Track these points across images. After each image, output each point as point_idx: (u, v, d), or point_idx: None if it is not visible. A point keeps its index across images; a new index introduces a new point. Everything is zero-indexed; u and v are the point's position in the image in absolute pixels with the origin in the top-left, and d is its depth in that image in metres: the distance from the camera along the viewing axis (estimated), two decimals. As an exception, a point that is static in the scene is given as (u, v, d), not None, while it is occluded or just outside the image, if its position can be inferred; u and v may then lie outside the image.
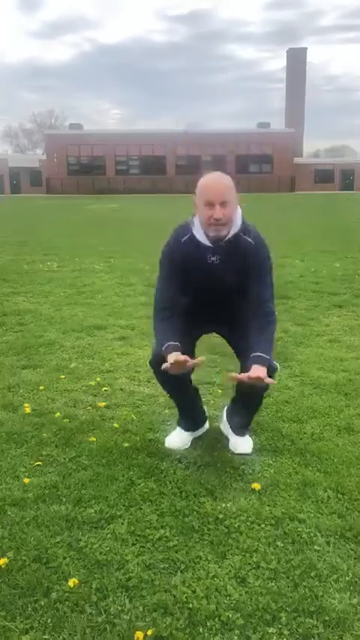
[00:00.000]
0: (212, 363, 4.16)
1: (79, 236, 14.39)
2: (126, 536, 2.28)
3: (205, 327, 3.00)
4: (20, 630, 1.82)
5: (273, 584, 2.02)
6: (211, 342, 3.73)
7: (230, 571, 2.08)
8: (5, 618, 1.87)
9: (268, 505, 2.48)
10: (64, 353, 4.71)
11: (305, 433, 3.19)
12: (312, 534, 2.29)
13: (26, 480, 2.70)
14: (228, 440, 3.06)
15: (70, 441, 3.10)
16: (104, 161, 56.05)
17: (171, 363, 2.52)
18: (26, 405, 3.59)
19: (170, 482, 2.67)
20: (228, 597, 1.95)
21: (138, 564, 2.12)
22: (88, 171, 55.83)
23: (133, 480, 2.70)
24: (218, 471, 2.80)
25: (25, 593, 1.98)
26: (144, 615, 1.87)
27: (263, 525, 2.34)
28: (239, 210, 2.66)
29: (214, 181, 2.58)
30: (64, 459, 2.92)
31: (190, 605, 1.91)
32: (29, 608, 1.91)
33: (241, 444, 2.94)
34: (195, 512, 2.43)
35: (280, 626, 1.84)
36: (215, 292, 2.72)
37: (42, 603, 1.93)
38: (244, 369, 2.65)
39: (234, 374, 2.60)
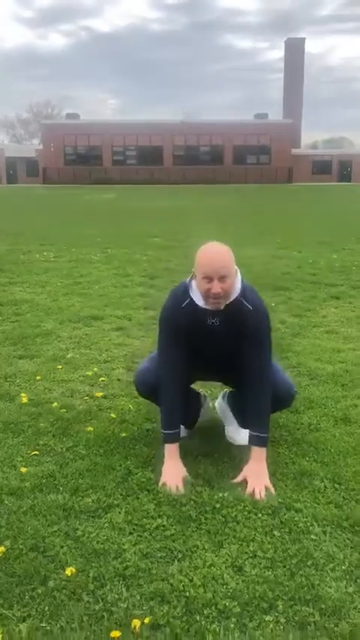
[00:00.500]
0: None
1: (76, 226, 14.34)
2: (123, 525, 2.29)
3: (205, 378, 3.21)
4: (18, 618, 1.83)
5: (270, 572, 2.02)
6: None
7: (227, 560, 2.09)
8: (3, 606, 1.87)
9: (265, 495, 2.49)
10: (60, 343, 4.70)
11: (302, 424, 3.19)
12: (309, 524, 2.30)
13: (23, 470, 2.70)
14: (224, 426, 3.07)
15: (67, 431, 3.10)
16: (101, 151, 55.77)
17: (163, 483, 2.56)
18: (23, 394, 3.58)
19: (167, 472, 2.66)
20: (225, 586, 1.96)
21: (135, 553, 2.12)
22: (84, 161, 55.57)
23: (131, 469, 2.70)
24: (215, 460, 2.80)
25: (23, 581, 1.98)
26: (141, 603, 1.88)
27: (260, 515, 2.35)
28: (239, 275, 2.61)
29: (213, 255, 2.51)
30: (61, 448, 2.92)
31: (187, 594, 1.92)
32: (27, 597, 1.91)
33: (240, 436, 2.95)
34: (192, 502, 2.44)
35: (276, 614, 1.84)
36: (215, 352, 2.74)
37: (39, 591, 1.93)
38: (238, 385, 2.89)
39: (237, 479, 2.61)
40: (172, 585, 1.96)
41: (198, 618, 1.82)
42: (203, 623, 1.80)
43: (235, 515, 2.35)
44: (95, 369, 4.07)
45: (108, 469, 2.70)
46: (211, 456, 2.85)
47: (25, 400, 3.50)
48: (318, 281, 7.31)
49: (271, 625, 1.80)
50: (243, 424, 2.91)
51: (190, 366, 2.73)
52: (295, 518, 2.33)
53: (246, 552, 2.13)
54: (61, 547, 2.15)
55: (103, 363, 4.24)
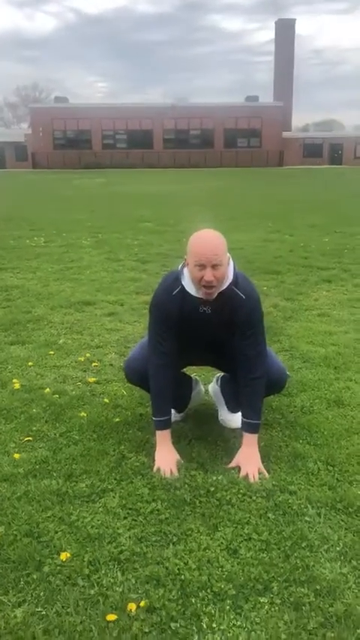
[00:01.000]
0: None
1: (66, 211, 14.23)
2: (117, 509, 2.28)
3: (196, 363, 3.23)
4: (13, 604, 1.82)
5: (264, 555, 2.03)
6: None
7: (222, 543, 2.09)
8: (-2, 592, 1.87)
9: (259, 478, 2.49)
10: (52, 329, 4.68)
11: (295, 406, 3.20)
12: (303, 506, 2.31)
13: (16, 456, 2.69)
14: (217, 410, 3.07)
15: (60, 417, 3.09)
16: (90, 135, 55.19)
17: (157, 468, 2.56)
18: (15, 380, 3.56)
19: (161, 456, 2.66)
20: (220, 568, 1.96)
21: (130, 537, 2.12)
22: (74, 145, 54.99)
23: (124, 454, 2.70)
24: (209, 444, 2.81)
25: (17, 567, 1.98)
26: (136, 587, 1.88)
27: (254, 497, 2.36)
28: (231, 263, 2.57)
29: (206, 243, 2.46)
30: (55, 434, 2.91)
31: (183, 577, 1.92)
32: (21, 582, 1.91)
33: (233, 419, 2.95)
34: (186, 485, 2.44)
35: (271, 595, 1.85)
36: (207, 339, 2.72)
37: (34, 577, 1.93)
38: (231, 370, 2.88)
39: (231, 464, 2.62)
40: (167, 569, 1.96)
41: (193, 601, 1.83)
42: (199, 605, 1.81)
43: (230, 499, 2.35)
44: (87, 355, 4.05)
45: (102, 454, 2.70)
46: (205, 439, 2.85)
47: (17, 386, 3.48)
48: (310, 264, 7.30)
49: (267, 606, 1.81)
50: (236, 408, 2.91)
51: (182, 352, 2.71)
52: (290, 501, 2.34)
53: (241, 535, 2.13)
54: (56, 532, 2.15)
55: (96, 348, 4.22)
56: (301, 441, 2.82)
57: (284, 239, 9.50)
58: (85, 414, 3.10)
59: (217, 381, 3.15)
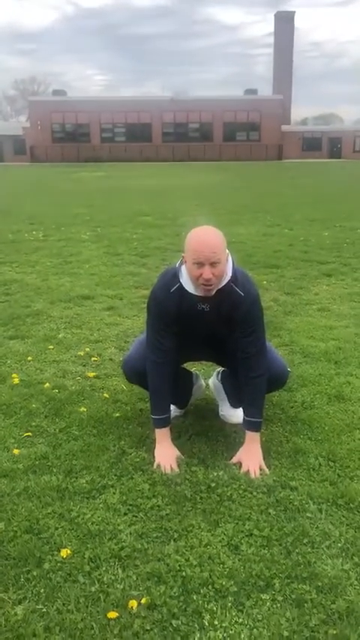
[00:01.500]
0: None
1: (65, 205, 14.17)
2: (118, 505, 2.27)
3: (196, 359, 3.25)
4: (13, 601, 1.81)
5: (266, 551, 2.02)
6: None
7: (223, 539, 2.08)
8: (-2, 589, 1.86)
9: (260, 474, 2.48)
10: (51, 323, 4.66)
11: (296, 401, 3.18)
12: (304, 502, 2.30)
13: (16, 451, 2.67)
14: (217, 405, 3.06)
15: (59, 412, 3.08)
16: (89, 128, 54.94)
17: (158, 464, 2.55)
18: (14, 375, 3.55)
19: (162, 452, 2.65)
20: (221, 565, 1.95)
21: (130, 534, 2.11)
22: (72, 138, 54.74)
23: (125, 449, 2.69)
24: (209, 439, 2.79)
25: (18, 563, 1.96)
26: (137, 584, 1.87)
27: (255, 493, 2.35)
28: (230, 260, 2.52)
29: (205, 240, 2.40)
30: (54, 429, 2.90)
31: (184, 574, 1.91)
32: (22, 579, 1.90)
33: (234, 415, 2.94)
34: (187, 481, 2.43)
35: (273, 592, 1.84)
36: (206, 336, 2.69)
37: (35, 574, 1.92)
38: (231, 366, 2.85)
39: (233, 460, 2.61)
40: (168, 565, 1.95)
41: (195, 598, 1.82)
42: (200, 602, 1.80)
43: (231, 494, 2.34)
44: (87, 349, 4.03)
45: (102, 449, 2.68)
46: (206, 434, 2.84)
47: (16, 381, 3.46)
48: (309, 259, 7.28)
49: (268, 603, 1.80)
50: (237, 403, 2.89)
51: (181, 349, 2.69)
52: (291, 497, 2.33)
53: (242, 531, 2.12)
54: (56, 529, 2.14)
55: (95, 342, 4.20)
56: (301, 437, 2.80)
57: (284, 233, 9.47)
58: (85, 409, 3.09)
59: (217, 375, 3.13)
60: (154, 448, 2.62)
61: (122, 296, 5.50)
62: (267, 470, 2.50)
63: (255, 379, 2.58)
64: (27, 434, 2.85)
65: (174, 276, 2.56)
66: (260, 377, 2.58)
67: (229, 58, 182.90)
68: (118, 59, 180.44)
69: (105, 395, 3.27)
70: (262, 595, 1.83)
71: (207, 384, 3.25)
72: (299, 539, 2.08)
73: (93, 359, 3.86)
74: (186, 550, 2.03)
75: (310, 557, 1.99)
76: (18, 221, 11.21)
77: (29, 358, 3.86)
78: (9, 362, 3.82)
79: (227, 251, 2.49)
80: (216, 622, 1.73)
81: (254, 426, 2.59)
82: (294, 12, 71.61)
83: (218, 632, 1.70)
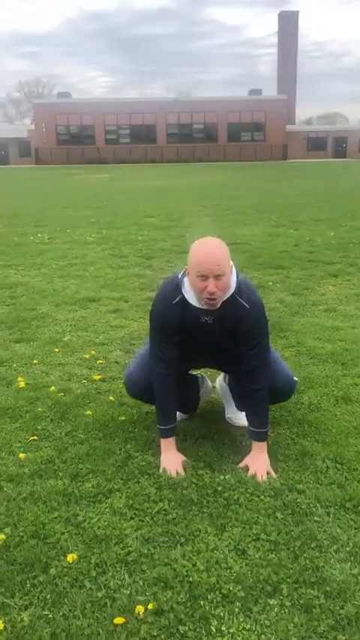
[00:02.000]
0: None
1: (70, 207, 14.19)
2: (124, 510, 2.26)
3: (200, 367, 3.19)
4: (20, 607, 1.80)
5: (273, 555, 2.00)
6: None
7: (230, 543, 2.07)
8: (4, 595, 1.85)
9: (267, 478, 2.46)
10: (57, 326, 4.65)
11: (303, 403, 3.16)
12: (311, 505, 2.28)
13: (22, 455, 2.67)
14: (223, 408, 3.04)
15: (65, 415, 3.07)
16: (94, 130, 55.05)
17: (164, 469, 2.54)
18: (20, 379, 3.54)
19: (168, 455, 2.63)
20: (228, 570, 1.94)
21: (137, 538, 2.10)
22: (77, 140, 54.87)
23: (131, 453, 2.68)
24: (216, 442, 2.78)
25: (24, 569, 1.96)
26: (144, 589, 1.86)
27: (262, 497, 2.33)
28: (234, 271, 2.47)
29: (208, 253, 2.34)
30: (60, 433, 2.89)
31: (191, 579, 1.89)
32: (28, 584, 1.89)
33: (240, 417, 2.92)
34: (193, 485, 2.41)
35: (281, 597, 1.83)
36: (210, 347, 2.66)
37: (41, 579, 1.91)
38: (235, 374, 2.84)
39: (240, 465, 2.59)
40: (175, 570, 1.94)
41: (202, 603, 1.80)
42: (207, 608, 1.79)
43: (238, 498, 2.32)
44: (93, 352, 4.03)
45: (108, 453, 2.67)
46: (212, 438, 2.82)
47: (22, 385, 3.46)
48: (315, 259, 7.25)
49: (276, 608, 1.78)
50: (243, 406, 2.87)
51: (184, 359, 2.67)
52: (298, 500, 2.31)
53: (249, 535, 2.11)
54: (62, 533, 2.13)
55: (101, 345, 4.20)
56: (309, 439, 2.78)
57: (289, 233, 9.45)
58: (91, 413, 3.08)
59: (224, 377, 3.11)
60: (160, 455, 2.60)
61: (127, 298, 5.50)
62: (274, 474, 2.48)
63: (259, 392, 2.55)
64: (33, 438, 2.85)
65: (176, 287, 2.51)
66: (263, 390, 2.56)
67: (233, 59, 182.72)
68: (121, 61, 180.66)
69: (111, 398, 3.26)
70: (269, 600, 1.81)
71: (213, 386, 3.24)
72: (307, 543, 2.06)
73: (98, 362, 3.85)
74: (193, 555, 2.01)
75: (318, 562, 1.97)
76: (23, 224, 11.23)
77: (35, 361, 3.86)
78: (15, 365, 3.81)
79: (231, 262, 2.45)
80: (223, 628, 1.71)
81: (260, 437, 2.58)
82: (298, 12, 71.33)
83: (225, 638, 1.68)
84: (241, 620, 1.74)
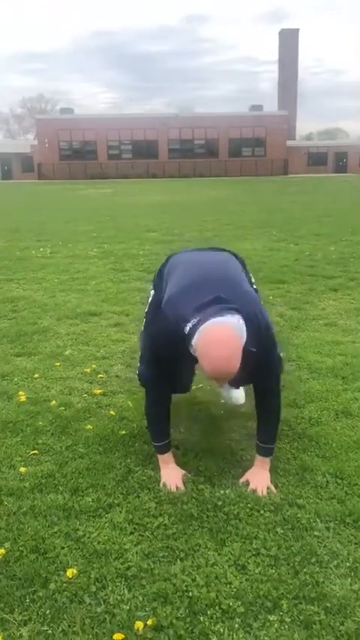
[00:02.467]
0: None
1: (72, 222, 14.27)
2: (124, 524, 2.26)
3: None
4: (19, 622, 1.80)
5: (273, 570, 2.00)
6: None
7: (230, 558, 2.06)
8: (3, 610, 1.84)
9: (267, 493, 2.46)
10: (58, 340, 4.67)
11: (303, 418, 3.17)
12: (312, 520, 2.27)
13: (22, 470, 2.67)
14: (222, 412, 3.08)
15: (66, 429, 3.07)
16: (96, 146, 55.46)
17: (164, 483, 2.54)
18: (21, 393, 3.55)
19: (168, 470, 2.63)
20: (228, 585, 1.93)
21: (137, 553, 2.10)
22: (80, 156, 55.26)
23: (131, 467, 2.68)
24: (216, 457, 2.78)
25: (23, 584, 1.95)
26: (144, 605, 1.85)
27: (262, 512, 2.33)
28: (243, 328, 2.16)
29: (221, 366, 2.07)
30: (61, 447, 2.89)
31: (190, 594, 1.89)
32: (27, 600, 1.89)
33: (234, 395, 2.94)
34: (193, 500, 2.41)
35: (281, 613, 1.82)
36: None
37: (40, 594, 1.91)
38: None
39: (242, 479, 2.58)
40: (174, 585, 1.93)
41: (202, 619, 1.80)
42: (207, 623, 1.78)
43: (238, 513, 2.32)
44: (94, 366, 4.04)
45: (108, 468, 2.67)
46: (212, 452, 2.82)
47: (23, 399, 3.47)
48: (316, 273, 7.28)
49: (276, 624, 1.78)
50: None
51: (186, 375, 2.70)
52: (298, 515, 2.30)
53: (249, 550, 2.10)
54: (62, 548, 2.12)
55: (102, 359, 4.21)
56: (309, 454, 2.78)
57: (290, 248, 9.48)
58: (91, 427, 3.08)
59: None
60: (159, 470, 2.61)
61: (129, 312, 5.51)
62: (274, 490, 2.48)
63: (270, 415, 2.57)
64: (33, 452, 2.85)
65: (178, 328, 2.22)
66: (274, 411, 2.57)
67: (234, 75, 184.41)
68: (124, 77, 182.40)
69: (111, 412, 3.27)
70: (269, 616, 1.81)
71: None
72: (307, 559, 2.06)
73: (99, 376, 3.86)
74: (192, 570, 2.01)
75: (319, 577, 1.97)
76: (25, 238, 11.29)
77: (36, 375, 3.87)
78: (16, 379, 3.82)
79: (239, 317, 2.18)
80: (223, 644, 1.71)
81: (266, 452, 2.58)
82: (298, 29, 71.83)
83: (225, 654, 1.68)
84: (241, 636, 1.74)
